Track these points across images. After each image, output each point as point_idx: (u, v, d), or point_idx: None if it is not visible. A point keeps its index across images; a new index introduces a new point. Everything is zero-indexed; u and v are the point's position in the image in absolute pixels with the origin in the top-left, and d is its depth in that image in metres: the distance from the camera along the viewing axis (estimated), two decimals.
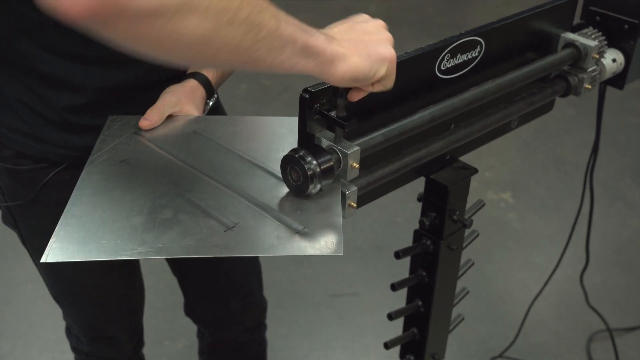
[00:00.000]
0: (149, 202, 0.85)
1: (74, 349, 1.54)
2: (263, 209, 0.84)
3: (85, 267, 1.28)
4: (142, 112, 1.05)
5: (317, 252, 0.77)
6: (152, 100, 1.06)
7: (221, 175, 0.90)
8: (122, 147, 0.98)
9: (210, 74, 1.12)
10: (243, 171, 0.92)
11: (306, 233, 0.79)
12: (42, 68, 1.01)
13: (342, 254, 0.76)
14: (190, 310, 1.59)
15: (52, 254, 0.77)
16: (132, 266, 1.40)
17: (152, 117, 1.03)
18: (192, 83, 1.10)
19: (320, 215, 0.81)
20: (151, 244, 0.78)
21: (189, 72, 1.13)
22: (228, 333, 1.61)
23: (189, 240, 0.79)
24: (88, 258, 0.77)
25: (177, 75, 1.11)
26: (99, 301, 1.38)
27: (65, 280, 1.33)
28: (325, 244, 0.78)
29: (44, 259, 0.76)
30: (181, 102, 1.06)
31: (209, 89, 1.12)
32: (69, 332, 1.52)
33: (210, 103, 1.13)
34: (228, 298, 1.49)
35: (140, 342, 1.59)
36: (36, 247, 1.28)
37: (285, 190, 0.86)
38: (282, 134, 1.01)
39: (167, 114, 1.04)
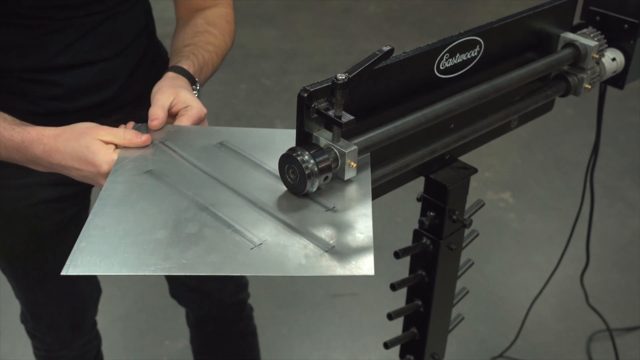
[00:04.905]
0: (174, 215, 0.83)
1: (27, 332, 1.60)
2: (290, 225, 0.81)
3: (15, 231, 1.33)
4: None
5: (348, 273, 0.74)
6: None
7: (247, 189, 0.87)
8: (147, 157, 0.95)
9: (186, 64, 1.15)
10: (270, 186, 0.88)
11: (336, 252, 0.76)
12: None
13: (373, 274, 0.73)
14: (172, 289, 1.64)
15: (73, 265, 0.75)
16: (69, 243, 1.40)
17: (158, 115, 1.02)
18: (170, 74, 1.13)
19: (350, 232, 0.79)
20: (175, 259, 0.76)
21: (168, 68, 1.17)
22: (209, 311, 1.65)
23: (214, 257, 0.76)
24: (110, 272, 0.75)
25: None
26: (34, 273, 1.41)
27: (0, 246, 1.37)
28: (355, 263, 0.75)
29: (64, 272, 0.75)
30: (172, 91, 1.07)
31: (189, 77, 1.14)
32: (22, 311, 1.57)
33: (198, 87, 1.15)
34: None
35: (91, 341, 1.62)
36: None
37: (313, 206, 0.83)
38: None
39: (167, 108, 1.05)
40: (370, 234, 0.78)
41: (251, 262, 0.76)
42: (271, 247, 0.77)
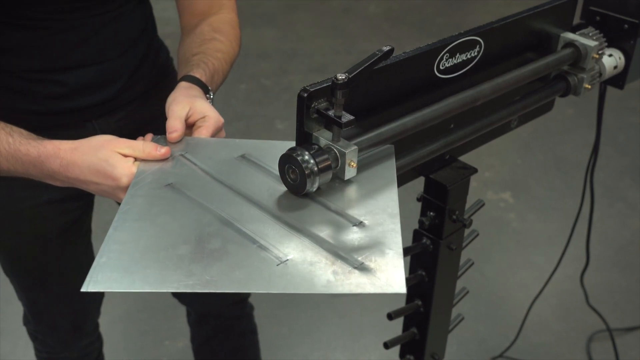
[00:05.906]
0: (196, 230, 0.80)
1: (29, 334, 1.60)
2: (317, 241, 0.79)
3: (18, 232, 1.33)
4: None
5: (378, 291, 0.71)
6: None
7: (271, 203, 0.85)
8: (167, 170, 0.93)
9: (197, 73, 1.14)
10: (295, 200, 0.85)
11: (365, 268, 0.74)
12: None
13: (404, 292, 0.72)
14: None
15: (94, 282, 0.73)
16: (72, 246, 1.40)
17: (176, 127, 1.00)
18: (183, 84, 1.11)
19: (379, 248, 0.77)
20: (199, 276, 0.74)
21: (179, 78, 1.15)
22: (211, 309, 1.65)
23: (239, 274, 0.74)
24: (132, 289, 0.73)
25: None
26: (36, 274, 1.41)
27: (4, 247, 1.37)
28: (386, 281, 0.72)
29: (84, 288, 0.72)
30: (188, 101, 1.05)
31: (202, 86, 1.12)
32: (24, 313, 1.57)
33: (211, 96, 1.14)
34: None
35: (92, 343, 1.62)
36: None
37: (340, 221, 0.82)
38: None
39: (184, 118, 1.02)
40: (400, 250, 0.76)
41: (277, 278, 0.73)
42: (298, 264, 0.75)
